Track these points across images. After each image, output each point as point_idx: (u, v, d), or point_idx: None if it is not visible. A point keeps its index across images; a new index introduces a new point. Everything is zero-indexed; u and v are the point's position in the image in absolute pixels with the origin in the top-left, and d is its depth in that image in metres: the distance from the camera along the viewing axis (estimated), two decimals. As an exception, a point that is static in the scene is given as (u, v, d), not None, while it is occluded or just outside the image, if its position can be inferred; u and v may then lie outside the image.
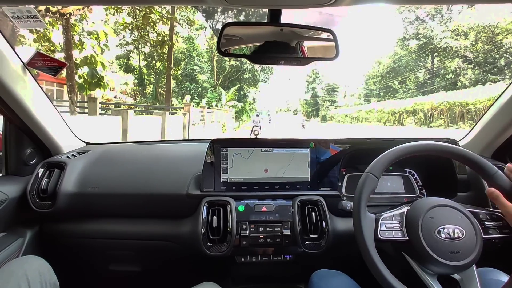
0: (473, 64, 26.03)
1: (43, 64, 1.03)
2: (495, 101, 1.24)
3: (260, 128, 14.96)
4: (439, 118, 21.84)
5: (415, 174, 1.30)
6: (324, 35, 0.88)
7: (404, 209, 0.83)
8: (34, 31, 7.35)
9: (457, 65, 26.94)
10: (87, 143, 1.46)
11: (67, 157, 1.22)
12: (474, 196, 1.13)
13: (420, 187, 1.28)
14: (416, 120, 24.33)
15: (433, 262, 0.72)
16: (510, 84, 1.16)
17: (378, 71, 38.01)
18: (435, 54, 30.09)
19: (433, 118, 22.50)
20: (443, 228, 0.74)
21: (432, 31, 30.25)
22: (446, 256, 0.71)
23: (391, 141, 1.17)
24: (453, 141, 1.23)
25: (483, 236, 0.76)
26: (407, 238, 0.78)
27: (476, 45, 25.81)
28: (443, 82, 27.93)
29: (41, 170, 1.15)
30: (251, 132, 14.59)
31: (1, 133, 1.16)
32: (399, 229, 0.79)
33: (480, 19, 25.04)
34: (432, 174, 1.26)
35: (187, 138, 8.97)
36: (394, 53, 35.51)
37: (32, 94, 1.08)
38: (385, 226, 0.80)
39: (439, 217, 0.76)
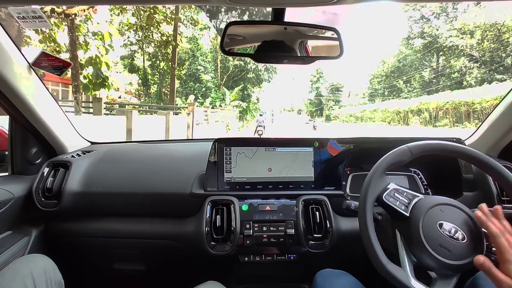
0: (479, 63, 25.76)
1: (48, 64, 1.04)
2: (501, 100, 1.23)
3: (264, 128, 14.98)
4: (445, 118, 21.65)
5: (420, 173, 1.29)
6: (328, 34, 0.88)
7: (420, 196, 0.82)
8: (40, 32, 7.43)
9: (463, 64, 26.68)
10: (92, 143, 1.47)
11: (72, 156, 1.23)
12: (480, 196, 1.12)
13: (425, 186, 1.27)
14: (421, 119, 24.14)
15: (419, 246, 0.71)
16: None
17: (383, 70, 37.80)
18: (441, 53, 29.83)
19: (439, 117, 22.31)
20: (447, 224, 0.73)
21: (437, 29, 29.99)
22: (434, 247, 0.70)
23: (396, 140, 1.16)
24: (458, 140, 1.21)
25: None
26: (407, 215, 0.77)
27: (482, 43, 25.53)
28: (449, 81, 27.69)
29: (46, 169, 1.16)
30: (255, 132, 14.61)
31: (7, 132, 1.16)
32: (406, 204, 0.80)
33: (486, 17, 24.74)
34: (438, 174, 1.25)
35: (191, 138, 9.00)
36: (399, 52, 35.28)
37: (37, 94, 1.09)
38: (394, 194, 0.81)
39: (449, 214, 0.75)
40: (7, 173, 1.19)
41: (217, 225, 1.06)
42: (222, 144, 1.17)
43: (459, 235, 0.72)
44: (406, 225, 0.76)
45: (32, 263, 0.80)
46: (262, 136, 1.25)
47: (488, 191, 1.10)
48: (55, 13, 6.73)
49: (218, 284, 0.86)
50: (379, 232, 0.77)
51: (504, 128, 1.22)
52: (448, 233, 0.72)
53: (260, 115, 17.77)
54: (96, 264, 1.32)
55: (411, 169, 1.30)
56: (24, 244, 1.08)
